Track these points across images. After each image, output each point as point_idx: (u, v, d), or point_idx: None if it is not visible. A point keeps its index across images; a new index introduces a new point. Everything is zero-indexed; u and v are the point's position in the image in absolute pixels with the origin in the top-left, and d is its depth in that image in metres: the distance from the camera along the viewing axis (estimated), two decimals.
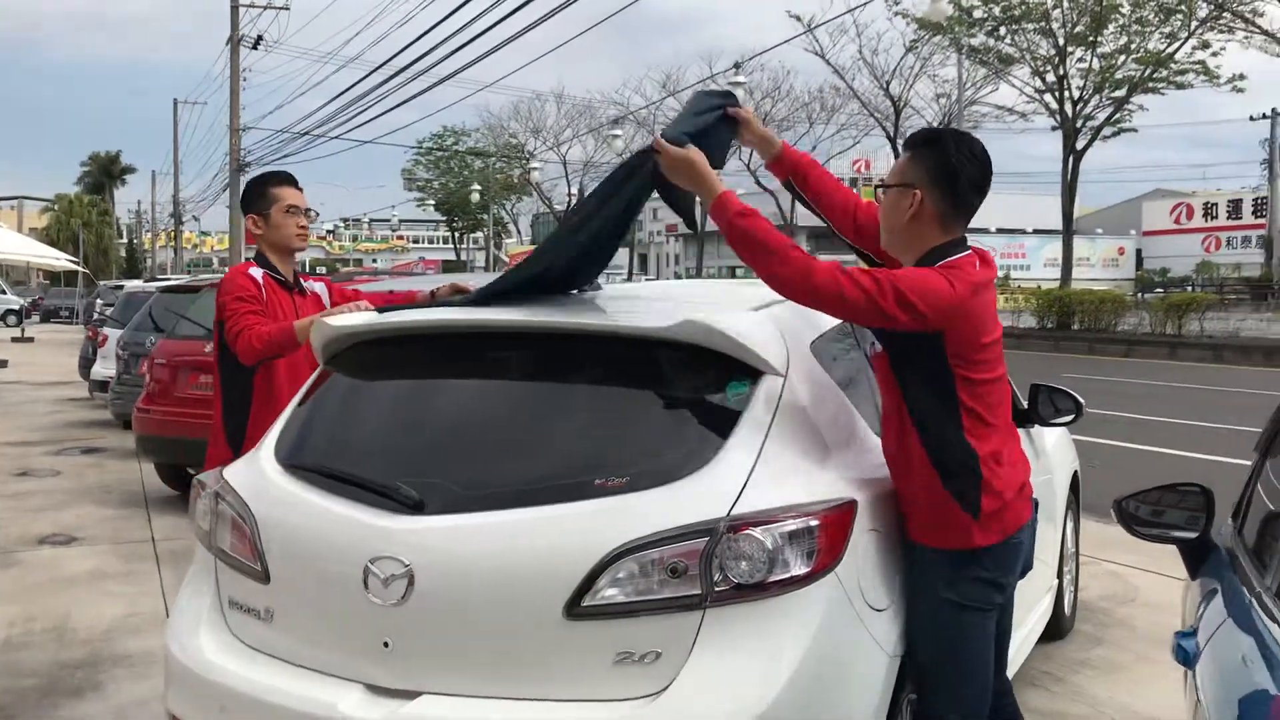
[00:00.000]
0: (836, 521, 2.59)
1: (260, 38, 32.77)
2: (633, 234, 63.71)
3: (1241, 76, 27.30)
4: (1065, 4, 26.79)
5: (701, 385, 2.77)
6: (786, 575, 2.48)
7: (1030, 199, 62.18)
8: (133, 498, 8.73)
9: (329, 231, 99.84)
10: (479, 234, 72.91)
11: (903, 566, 2.81)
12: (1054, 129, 28.89)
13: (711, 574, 2.45)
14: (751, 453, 2.60)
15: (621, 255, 58.63)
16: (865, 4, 26.94)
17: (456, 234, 74.66)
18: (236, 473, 3.07)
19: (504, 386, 3.03)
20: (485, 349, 3.01)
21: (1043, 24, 27.40)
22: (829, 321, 3.19)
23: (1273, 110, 43.91)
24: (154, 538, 7.37)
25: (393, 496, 2.67)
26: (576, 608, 2.47)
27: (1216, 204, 56.74)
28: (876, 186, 2.87)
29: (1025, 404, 4.29)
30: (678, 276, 63.08)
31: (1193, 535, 2.79)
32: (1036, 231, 60.73)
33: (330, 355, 3.25)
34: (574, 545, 2.51)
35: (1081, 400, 4.67)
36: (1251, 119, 44.99)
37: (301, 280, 4.22)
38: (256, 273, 4.00)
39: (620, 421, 2.77)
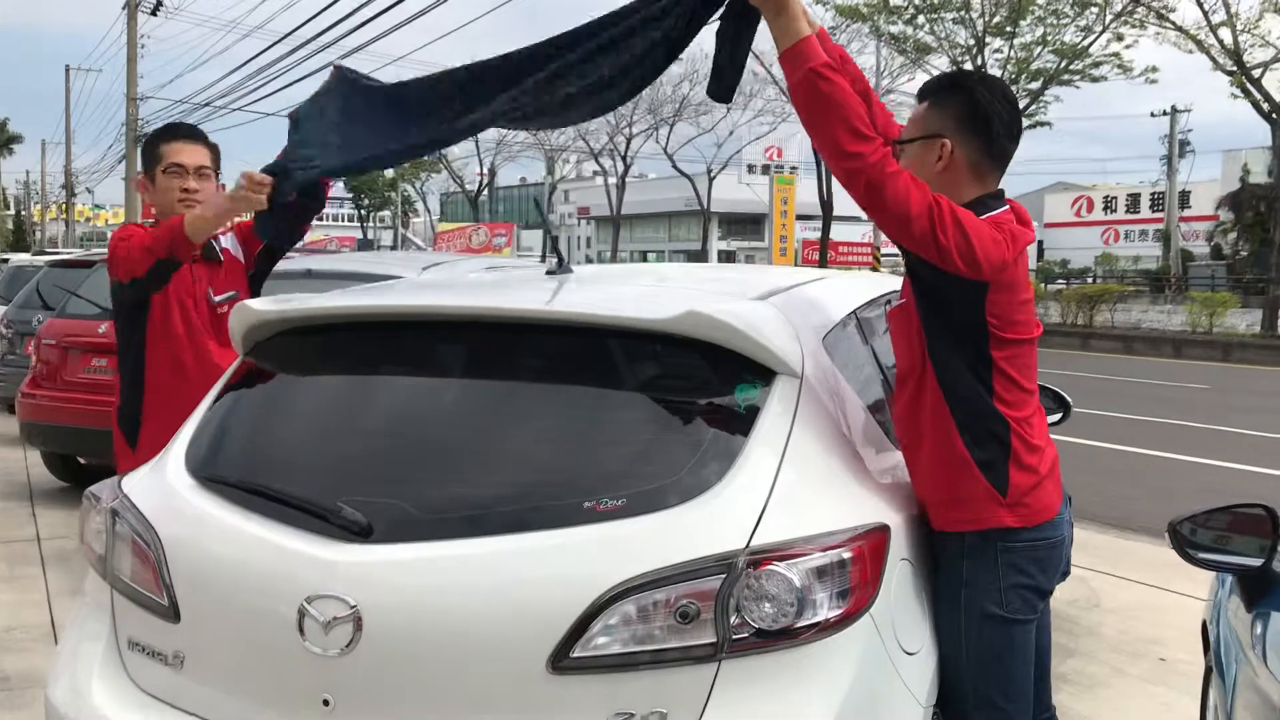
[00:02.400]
0: (870, 552, 2.19)
1: (160, 3, 31.38)
2: (544, 213, 62.89)
3: (1155, 69, 27.83)
4: None
5: (706, 388, 2.34)
6: (817, 619, 2.07)
7: None
8: (16, 490, 8.01)
9: None
10: (385, 213, 71.36)
11: (930, 580, 2.48)
12: None
13: (728, 618, 2.04)
14: (769, 470, 2.19)
15: (534, 238, 57.91)
16: None
17: (363, 213, 72.96)
18: (138, 485, 2.55)
19: (470, 387, 2.52)
20: (447, 341, 2.54)
21: (962, 13, 27.49)
22: (838, 311, 2.79)
23: (1172, 107, 44.82)
24: (39, 536, 6.70)
25: (334, 520, 2.19)
26: (564, 659, 2.03)
27: (1116, 198, 58.04)
28: (894, 143, 2.46)
29: None
30: (589, 260, 62.47)
31: (1257, 563, 2.45)
32: None
33: (253, 344, 2.74)
34: (560, 583, 2.07)
35: (1069, 399, 4.38)
36: (1152, 115, 45.79)
37: (214, 242, 3.54)
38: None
39: (612, 431, 2.32)
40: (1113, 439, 10.73)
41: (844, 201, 35.87)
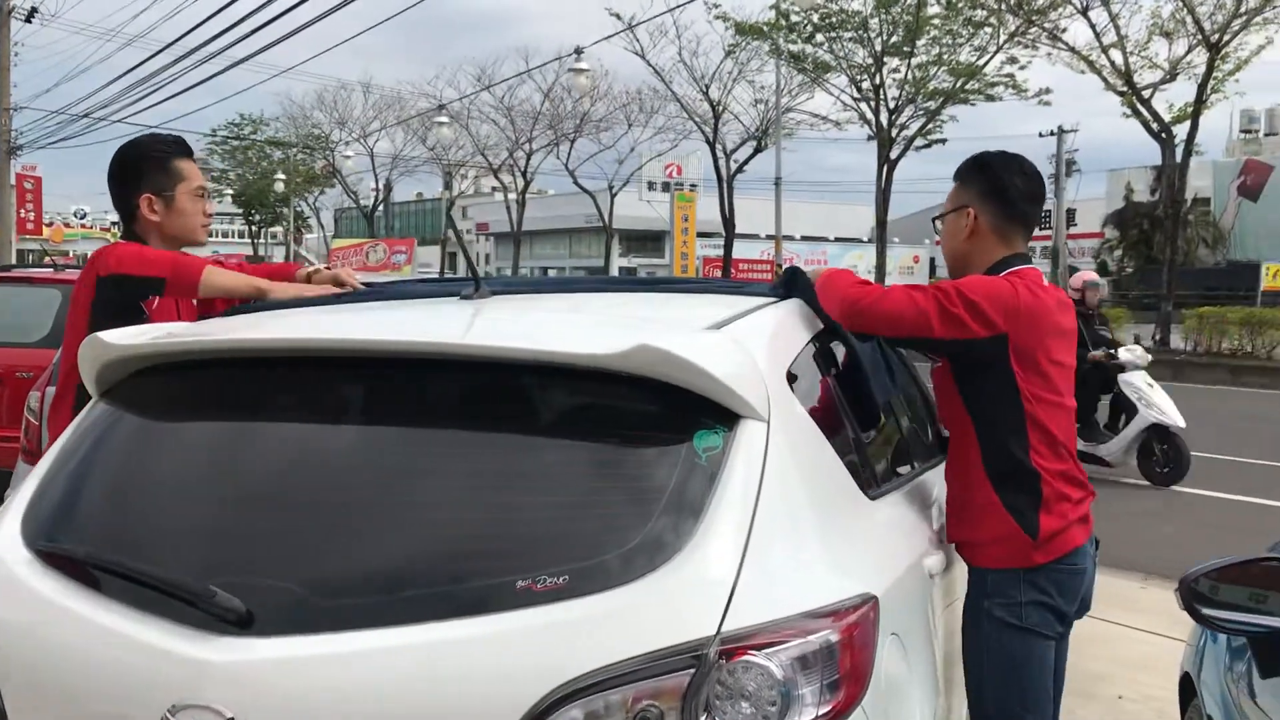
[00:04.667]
0: (859, 631, 1.84)
1: (35, 9, 30.05)
2: (444, 231, 61.91)
3: (1048, 90, 28.36)
4: (882, 14, 27.12)
5: (660, 436, 1.95)
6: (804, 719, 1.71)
7: (834, 208, 63.88)
8: None
9: (114, 223, 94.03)
10: (278, 228, 69.53)
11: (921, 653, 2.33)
12: (870, 138, 29.24)
13: None
14: (739, 534, 1.82)
15: (433, 253, 57.01)
16: (686, 3, 26.39)
17: (254, 228, 70.96)
18: None
19: (375, 439, 2.08)
20: (347, 382, 2.12)
21: (860, 32, 27.68)
22: (798, 341, 2.45)
23: (1059, 127, 46.02)
24: None
25: (206, 607, 1.76)
26: None
27: None
28: (935, 219, 3.04)
29: None
30: (487, 275, 61.59)
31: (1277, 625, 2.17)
32: (839, 239, 62.33)
33: (107, 386, 2.29)
34: (489, 684, 1.68)
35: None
36: (1041, 135, 47.01)
37: None
38: None
39: (549, 492, 1.92)
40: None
41: (744, 219, 35.81)
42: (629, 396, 1.95)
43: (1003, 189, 2.84)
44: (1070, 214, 48.60)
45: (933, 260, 64.14)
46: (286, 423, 2.13)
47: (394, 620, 1.73)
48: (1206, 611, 2.22)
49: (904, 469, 2.96)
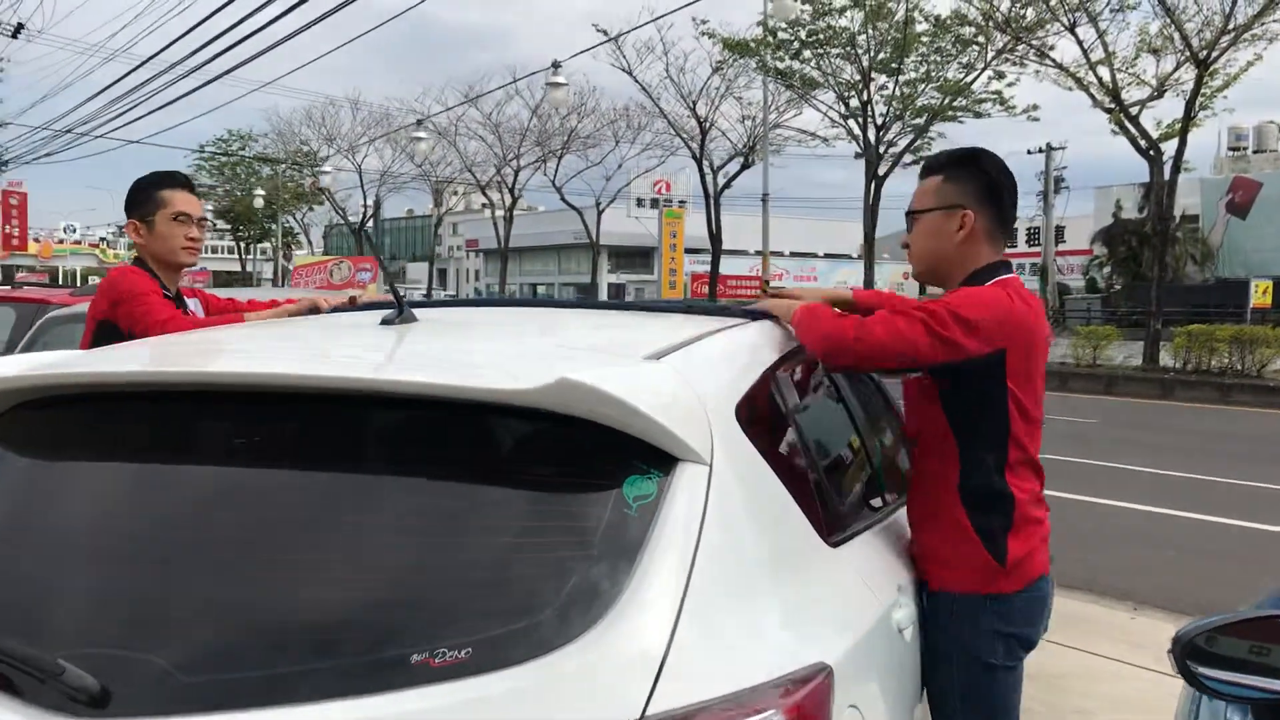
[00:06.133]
0: (807, 707, 1.61)
1: (21, 25, 29.91)
2: (431, 249, 61.64)
3: (1035, 107, 28.24)
4: (870, 31, 27.02)
5: (583, 483, 1.72)
6: None
7: (823, 224, 63.83)
8: None
9: (102, 239, 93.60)
10: (266, 244, 69.19)
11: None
12: (857, 155, 29.12)
13: None
14: (671, 600, 1.60)
15: (420, 270, 56.71)
16: (673, 11, 26.22)
17: (243, 244, 70.63)
18: None
19: (252, 488, 1.82)
20: (226, 421, 1.88)
21: (848, 49, 27.57)
22: (752, 372, 2.22)
23: (1048, 145, 46.11)
24: None
25: (53, 683, 1.53)
26: None
27: None
28: (908, 214, 2.78)
29: None
30: (479, 293, 61.40)
31: None
32: (828, 255, 62.26)
33: None
34: None
35: None
36: (1029, 152, 47.03)
37: (184, 296, 3.73)
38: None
39: (452, 549, 1.68)
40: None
41: (732, 235, 35.78)
42: (551, 438, 1.73)
43: (999, 192, 2.70)
44: (1059, 231, 48.63)
45: None
46: (154, 466, 1.89)
47: (271, 701, 1.50)
48: (1203, 671, 1.99)
49: (875, 505, 2.73)
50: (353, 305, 3.50)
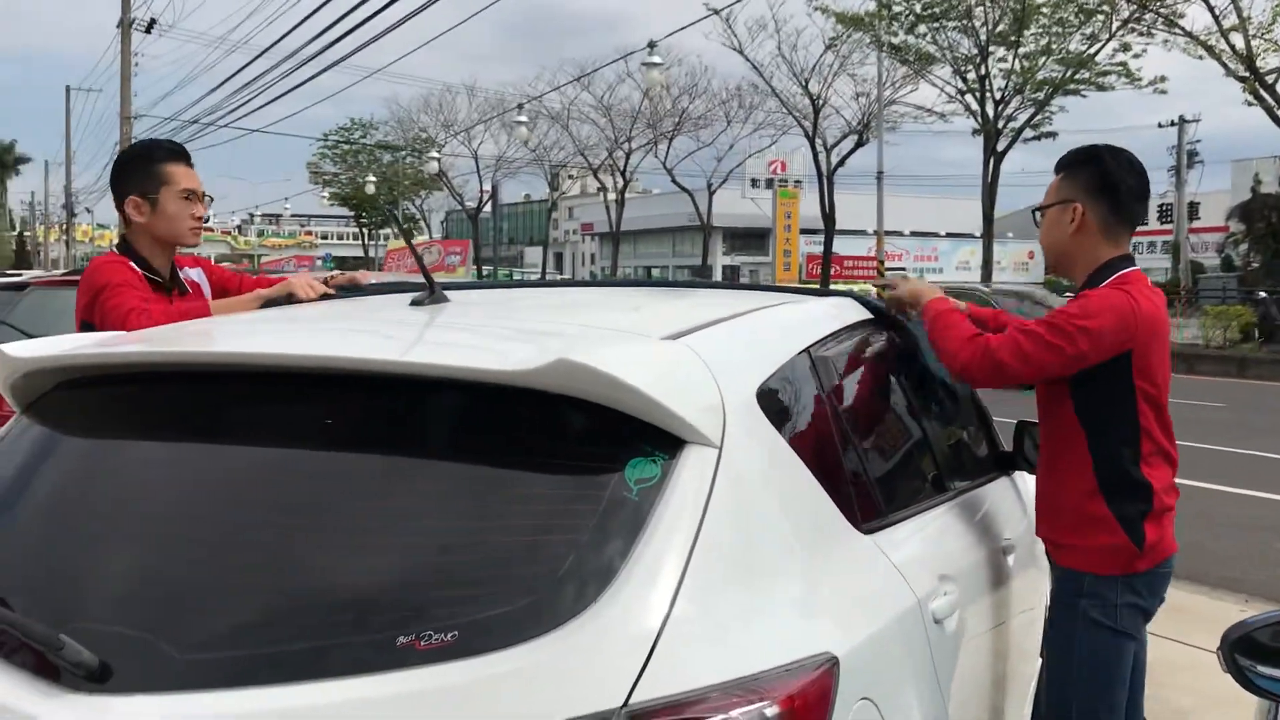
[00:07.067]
0: (807, 700, 1.55)
1: (154, 21, 31.14)
2: (546, 233, 62.30)
3: (1163, 79, 27.17)
4: (988, 2, 26.27)
5: (584, 465, 1.68)
6: None
7: (944, 202, 62.40)
8: None
9: (237, 227, 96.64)
10: (388, 230, 70.84)
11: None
12: (975, 132, 28.40)
13: None
14: (667, 583, 1.55)
15: (536, 254, 57.35)
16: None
17: (365, 230, 72.48)
18: None
19: (257, 465, 1.82)
20: (221, 401, 1.89)
21: (964, 22, 26.86)
22: (784, 352, 2.15)
23: (1180, 117, 44.12)
24: None
25: (53, 656, 1.56)
26: None
27: None
28: (1034, 210, 2.93)
29: (1009, 445, 3.34)
30: (593, 276, 61.78)
31: None
32: (950, 235, 60.86)
33: (32, 398, 2.11)
34: None
35: None
36: (1160, 126, 45.10)
37: (179, 271, 3.33)
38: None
39: (446, 531, 1.65)
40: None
41: (851, 215, 35.29)
42: (554, 419, 1.69)
43: (1114, 186, 2.77)
44: (1193, 207, 46.63)
45: None
46: (154, 445, 1.90)
47: (260, 680, 1.50)
48: (1262, 669, 1.86)
49: (927, 492, 2.63)
50: (329, 285, 3.15)
